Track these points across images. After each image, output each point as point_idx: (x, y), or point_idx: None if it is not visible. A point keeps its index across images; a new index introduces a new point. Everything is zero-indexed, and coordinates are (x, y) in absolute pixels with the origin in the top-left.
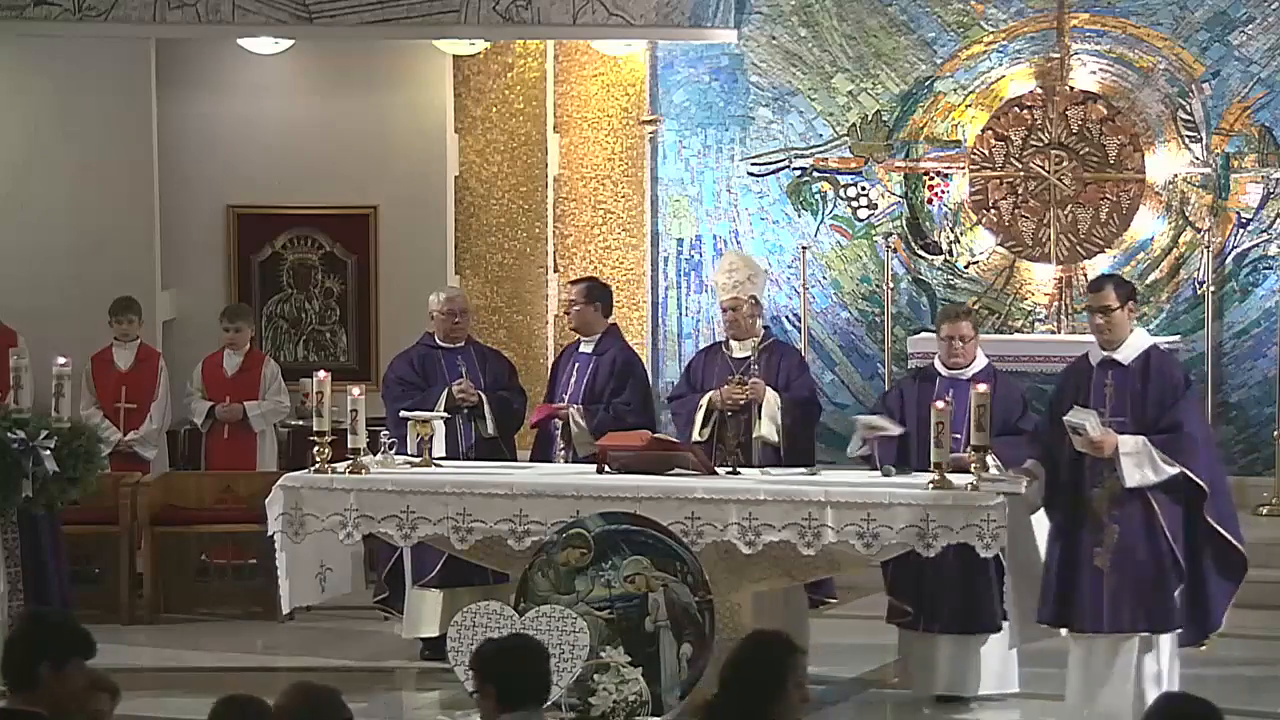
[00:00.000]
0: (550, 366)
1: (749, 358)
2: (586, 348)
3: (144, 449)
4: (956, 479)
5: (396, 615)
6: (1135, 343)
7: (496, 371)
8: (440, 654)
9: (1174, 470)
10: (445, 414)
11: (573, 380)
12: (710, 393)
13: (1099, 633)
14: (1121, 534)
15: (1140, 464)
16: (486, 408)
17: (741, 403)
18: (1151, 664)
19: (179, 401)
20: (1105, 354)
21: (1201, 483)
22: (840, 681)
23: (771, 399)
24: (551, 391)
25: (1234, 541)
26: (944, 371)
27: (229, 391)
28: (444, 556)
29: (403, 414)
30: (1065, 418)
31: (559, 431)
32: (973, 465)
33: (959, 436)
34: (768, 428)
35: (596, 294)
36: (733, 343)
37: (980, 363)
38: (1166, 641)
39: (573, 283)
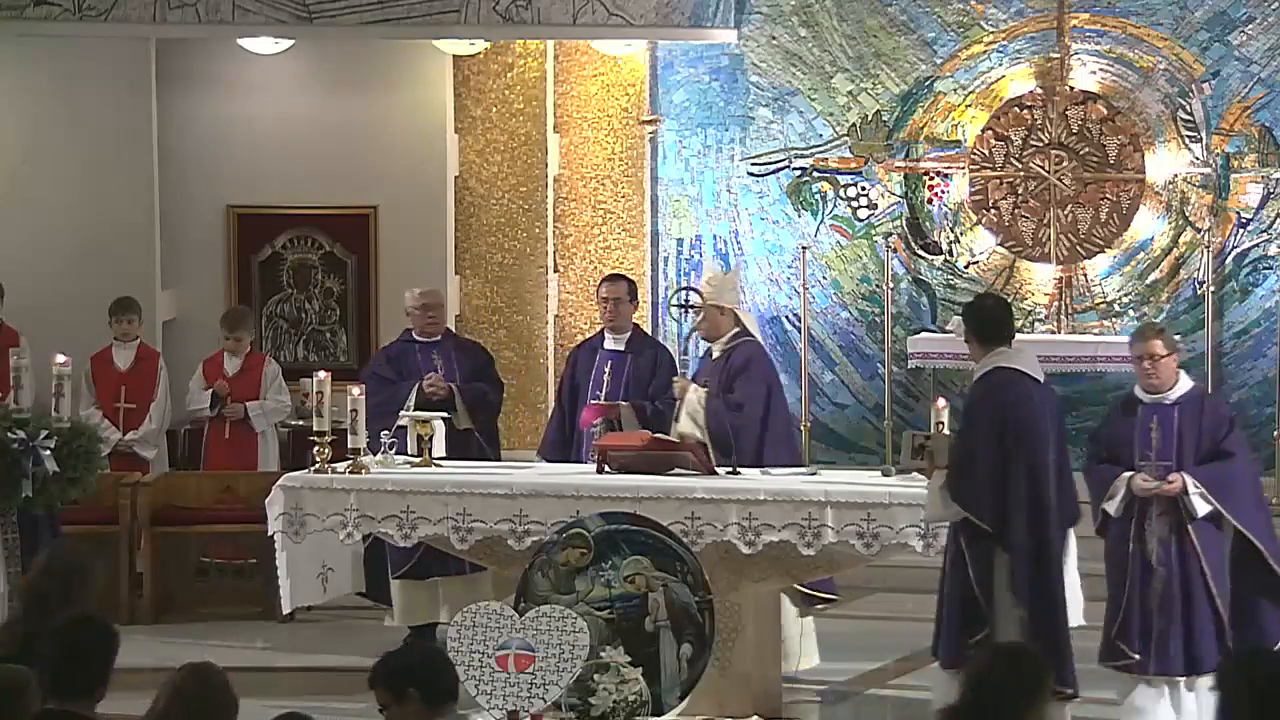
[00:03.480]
0: (567, 365)
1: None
2: (616, 345)
3: (143, 449)
4: None
5: (384, 607)
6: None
7: (473, 364)
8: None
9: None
10: (433, 414)
11: (607, 378)
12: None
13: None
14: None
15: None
16: (458, 400)
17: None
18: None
19: (179, 402)
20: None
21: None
22: (840, 681)
23: (692, 398)
24: (576, 391)
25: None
26: (1145, 397)
27: (230, 392)
28: (421, 547)
29: (403, 414)
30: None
31: (596, 431)
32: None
33: (1169, 464)
34: (686, 424)
35: (633, 291)
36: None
37: (1184, 385)
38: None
39: (609, 281)
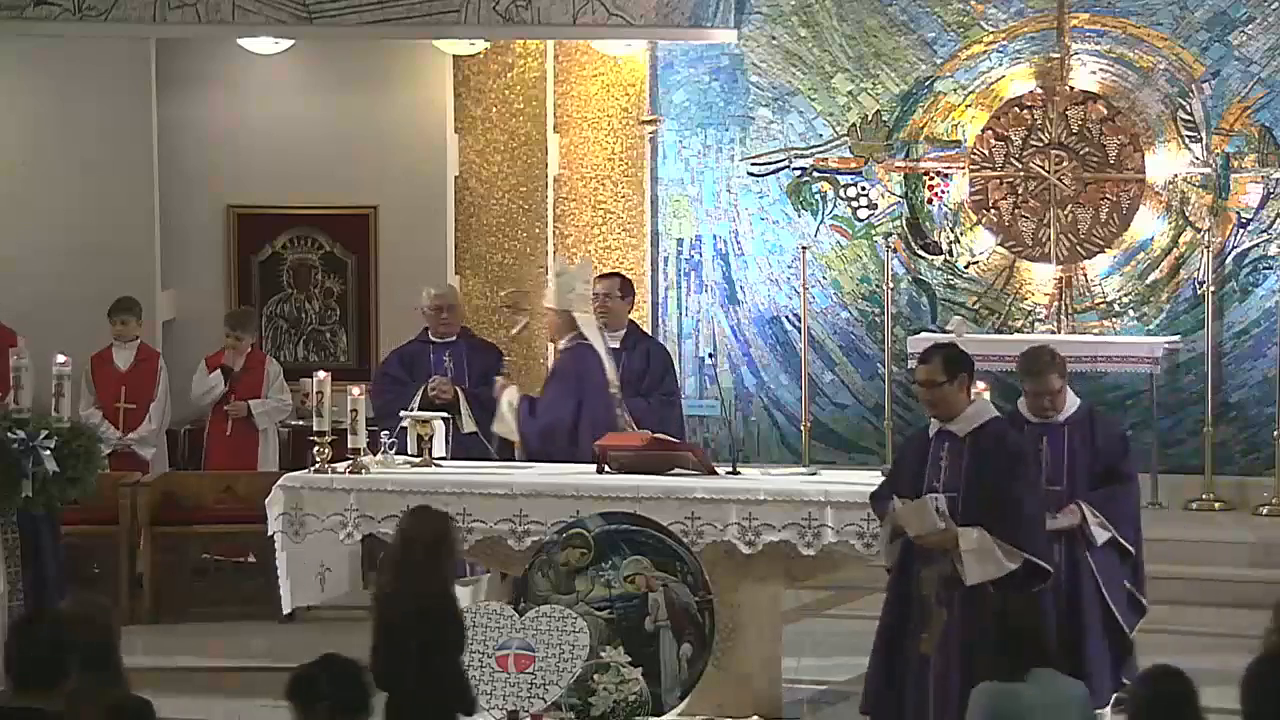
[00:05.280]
0: None
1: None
2: (612, 343)
3: (143, 449)
4: None
5: None
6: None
7: (485, 365)
8: None
9: (1016, 564)
10: (433, 414)
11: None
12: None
13: None
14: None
15: (983, 559)
16: (463, 403)
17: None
18: None
19: (185, 397)
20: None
21: (1047, 566)
22: (839, 681)
23: (504, 403)
24: None
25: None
26: (1032, 417)
27: (233, 390)
28: None
29: (403, 414)
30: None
31: None
32: None
33: (1059, 488)
34: (500, 426)
35: (628, 288)
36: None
37: (1073, 403)
38: None
39: (601, 278)
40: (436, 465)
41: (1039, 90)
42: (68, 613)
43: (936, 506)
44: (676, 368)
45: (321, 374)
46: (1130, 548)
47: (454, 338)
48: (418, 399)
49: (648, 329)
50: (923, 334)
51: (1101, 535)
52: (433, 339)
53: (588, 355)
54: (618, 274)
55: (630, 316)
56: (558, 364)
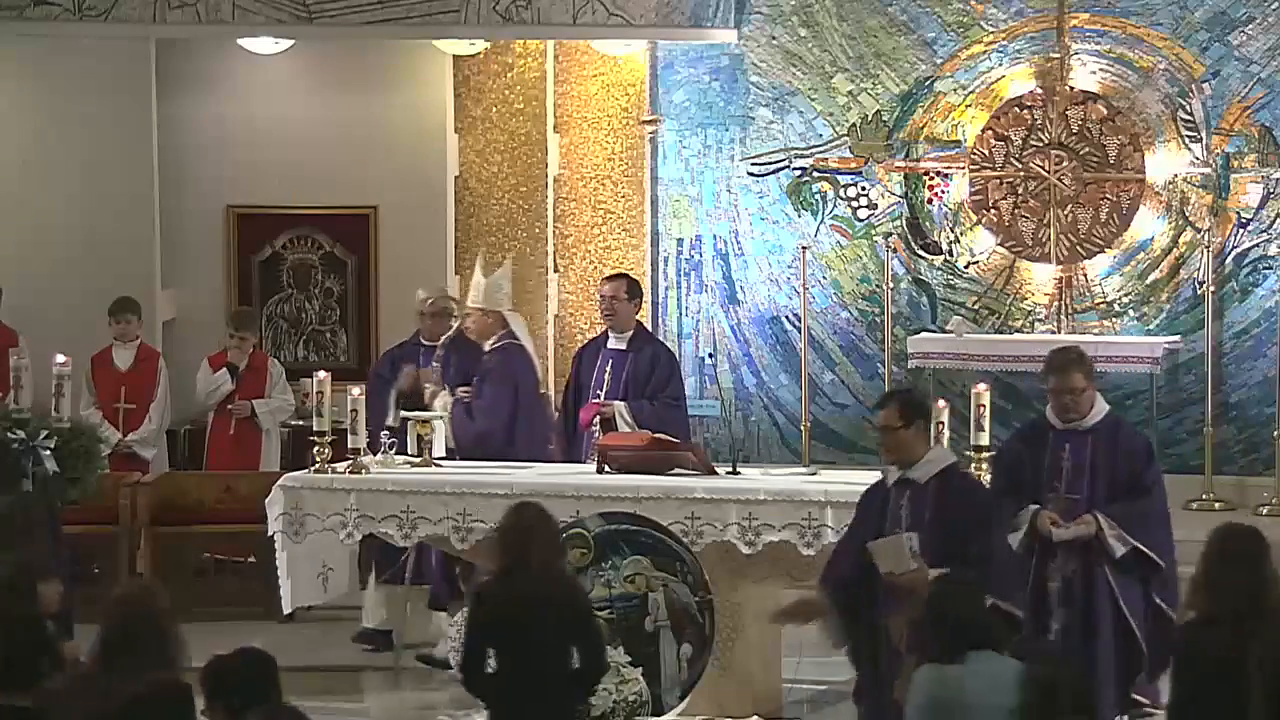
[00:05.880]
0: (573, 365)
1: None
2: (618, 344)
3: (144, 449)
4: None
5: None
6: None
7: (468, 365)
8: (370, 643)
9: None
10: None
11: (608, 377)
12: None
13: None
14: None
15: None
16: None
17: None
18: None
19: (190, 397)
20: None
21: (1018, 613)
22: (839, 681)
23: (438, 405)
24: (580, 390)
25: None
26: (1057, 423)
27: (237, 389)
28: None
29: (403, 414)
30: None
31: (596, 429)
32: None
33: (1077, 497)
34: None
35: (635, 290)
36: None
37: (1100, 411)
38: None
39: (609, 280)
40: (436, 465)
41: (1039, 90)
42: (119, 596)
43: (910, 545)
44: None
45: (321, 374)
46: (1159, 561)
47: (447, 339)
48: (392, 396)
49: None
50: (923, 334)
51: (1119, 548)
52: (424, 341)
53: (520, 356)
54: (625, 275)
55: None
56: (490, 365)
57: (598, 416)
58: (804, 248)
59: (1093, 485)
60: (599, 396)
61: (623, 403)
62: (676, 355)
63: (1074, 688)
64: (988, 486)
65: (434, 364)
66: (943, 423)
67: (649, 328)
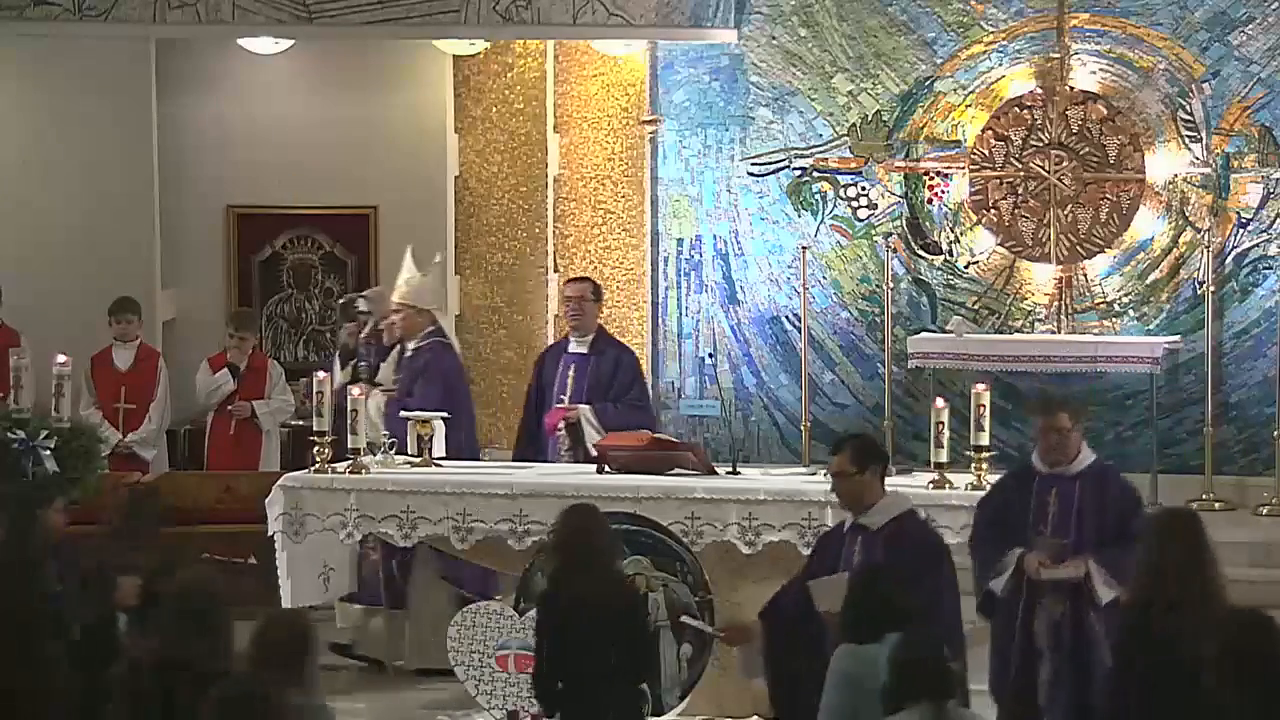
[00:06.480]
0: (535, 368)
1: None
2: (580, 348)
3: (143, 449)
4: (957, 478)
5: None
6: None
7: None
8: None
9: None
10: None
11: (570, 381)
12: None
13: None
14: None
15: None
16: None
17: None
18: None
19: (190, 398)
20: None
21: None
22: None
23: (371, 405)
24: (544, 394)
25: None
26: (1043, 468)
27: (238, 389)
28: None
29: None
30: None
31: (562, 434)
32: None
33: (1065, 542)
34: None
35: (599, 292)
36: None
37: (1087, 457)
38: None
39: (574, 281)
40: (436, 465)
41: (1039, 90)
42: (183, 582)
43: None
44: (678, 368)
45: (321, 374)
46: None
47: (365, 336)
48: (337, 365)
49: (647, 329)
50: (923, 334)
51: (1107, 594)
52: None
53: (450, 354)
54: (588, 279)
55: (600, 321)
56: (420, 363)
57: (563, 421)
58: (804, 248)
59: (1079, 531)
60: (562, 401)
61: (588, 407)
62: (675, 354)
63: (934, 669)
64: (940, 536)
65: (364, 364)
66: (942, 423)
67: (649, 327)
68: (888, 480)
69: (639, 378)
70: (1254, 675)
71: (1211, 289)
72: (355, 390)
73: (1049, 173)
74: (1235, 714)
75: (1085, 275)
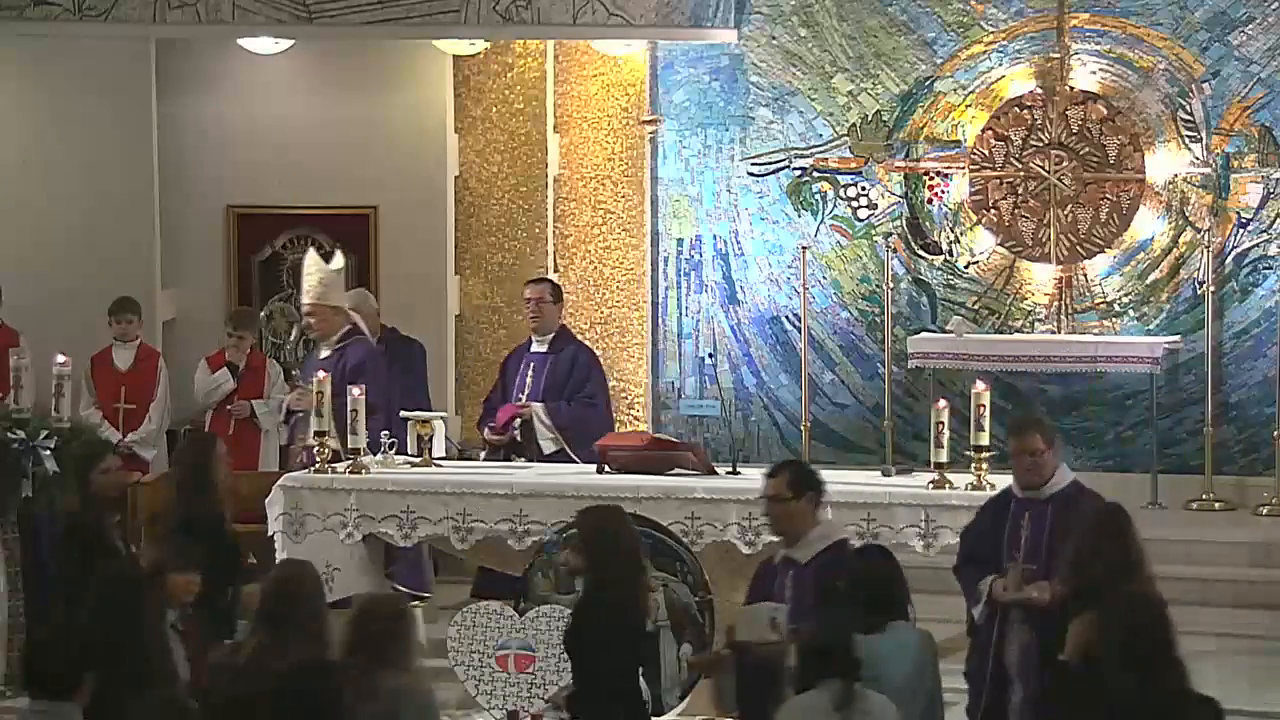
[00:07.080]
0: (500, 369)
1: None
2: (540, 347)
3: (143, 449)
4: (957, 478)
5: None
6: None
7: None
8: None
9: None
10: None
11: (529, 379)
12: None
13: None
14: None
15: None
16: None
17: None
18: None
19: (189, 398)
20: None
21: None
22: None
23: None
24: (505, 393)
25: None
26: (1018, 492)
27: (237, 389)
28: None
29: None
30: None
31: (517, 431)
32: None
33: (1033, 568)
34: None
35: (558, 293)
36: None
37: (1062, 479)
38: None
39: (533, 283)
40: (436, 465)
41: (1039, 90)
42: (277, 575)
43: (774, 618)
44: (678, 368)
45: (321, 374)
46: None
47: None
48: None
49: (647, 329)
50: (923, 334)
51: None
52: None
53: (375, 352)
54: (548, 279)
55: (561, 320)
56: (352, 359)
57: (517, 418)
58: (804, 248)
59: (1050, 554)
60: (520, 399)
61: (540, 404)
62: (675, 354)
63: (840, 650)
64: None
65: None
66: (943, 423)
67: (649, 327)
68: (889, 479)
69: (594, 374)
70: (1142, 659)
71: (1211, 289)
72: (355, 390)
73: (1049, 173)
74: (1127, 696)
75: (1085, 275)
